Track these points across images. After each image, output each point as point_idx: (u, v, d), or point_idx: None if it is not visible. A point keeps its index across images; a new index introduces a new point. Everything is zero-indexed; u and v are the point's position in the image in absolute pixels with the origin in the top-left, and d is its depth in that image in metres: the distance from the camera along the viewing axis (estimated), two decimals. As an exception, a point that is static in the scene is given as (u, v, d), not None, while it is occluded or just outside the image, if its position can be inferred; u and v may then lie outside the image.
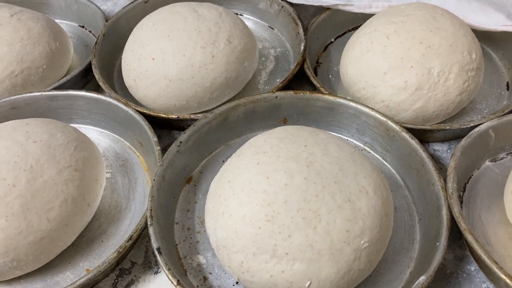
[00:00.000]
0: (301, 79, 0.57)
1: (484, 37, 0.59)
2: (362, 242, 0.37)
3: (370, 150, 0.51)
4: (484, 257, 0.37)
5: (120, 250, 0.40)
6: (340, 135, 0.52)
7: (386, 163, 0.50)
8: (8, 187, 0.39)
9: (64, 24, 0.69)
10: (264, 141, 0.42)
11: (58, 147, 0.43)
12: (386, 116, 0.48)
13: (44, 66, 0.57)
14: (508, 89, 0.57)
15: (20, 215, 0.39)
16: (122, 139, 0.53)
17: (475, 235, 0.38)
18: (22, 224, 0.39)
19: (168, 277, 0.37)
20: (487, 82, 0.57)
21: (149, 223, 0.40)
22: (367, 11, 0.62)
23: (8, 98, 0.52)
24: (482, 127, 0.47)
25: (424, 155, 0.44)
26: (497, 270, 0.36)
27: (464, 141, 0.46)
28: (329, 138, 0.42)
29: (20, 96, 0.52)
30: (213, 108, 0.53)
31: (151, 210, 0.41)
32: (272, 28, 0.67)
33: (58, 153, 0.43)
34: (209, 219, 0.41)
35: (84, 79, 0.60)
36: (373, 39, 0.52)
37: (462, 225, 0.39)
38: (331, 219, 0.36)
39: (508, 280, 0.35)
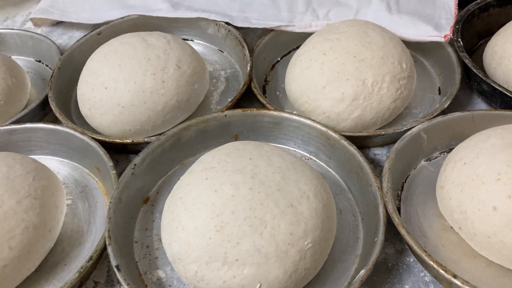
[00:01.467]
0: (251, 97, 0.60)
1: (416, 47, 0.65)
2: (305, 243, 0.40)
3: (315, 159, 0.55)
4: (415, 247, 0.41)
5: (81, 270, 0.42)
6: (287, 147, 0.55)
7: (330, 170, 0.53)
8: (-32, 219, 0.41)
9: (21, 60, 0.71)
10: (213, 157, 0.45)
11: (16, 178, 0.45)
12: (326, 126, 0.52)
13: (2, 102, 0.59)
14: (440, 94, 0.62)
15: (-18, 245, 0.41)
16: (80, 166, 0.55)
17: (407, 228, 0.42)
18: (-16, 254, 0.41)
19: (128, 292, 0.40)
20: (421, 88, 0.62)
21: (107, 242, 0.43)
22: (308, 30, 0.66)
23: (-34, 135, 0.54)
24: (414, 130, 0.51)
25: (361, 159, 0.48)
26: (426, 258, 0.40)
27: (397, 144, 0.50)
28: (273, 150, 0.46)
29: (-21, 132, 0.54)
30: (167, 130, 0.56)
31: (109, 230, 0.43)
32: (221, 51, 0.71)
33: (17, 183, 0.45)
34: (164, 234, 0.43)
35: (42, 112, 0.62)
36: (311, 56, 0.57)
37: (396, 220, 0.43)
38: (276, 224, 0.40)
39: (436, 266, 0.39)
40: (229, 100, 0.63)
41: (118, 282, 0.45)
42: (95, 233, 0.49)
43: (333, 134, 0.51)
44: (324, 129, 0.52)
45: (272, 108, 0.55)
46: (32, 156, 0.54)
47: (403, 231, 0.42)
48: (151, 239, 0.48)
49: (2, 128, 0.54)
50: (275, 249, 0.39)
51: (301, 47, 0.60)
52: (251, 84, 0.59)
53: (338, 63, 0.54)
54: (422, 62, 0.66)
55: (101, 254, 0.45)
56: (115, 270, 0.41)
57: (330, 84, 0.54)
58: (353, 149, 0.49)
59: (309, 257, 0.40)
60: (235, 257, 0.39)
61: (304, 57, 0.57)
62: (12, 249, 0.42)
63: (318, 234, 0.41)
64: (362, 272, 0.40)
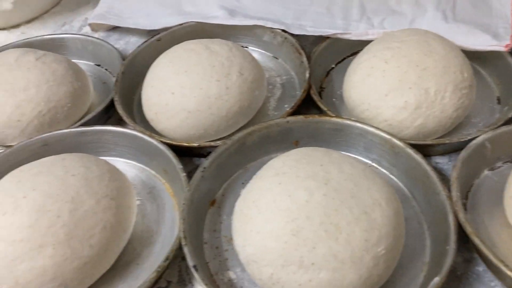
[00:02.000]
0: (308, 103, 0.61)
1: (473, 56, 0.64)
2: (379, 249, 0.41)
3: (377, 166, 0.55)
4: (491, 257, 0.41)
5: (159, 270, 0.43)
6: (348, 154, 0.56)
7: (393, 177, 0.54)
8: (53, 218, 0.43)
9: (82, 64, 0.73)
10: (283, 162, 0.46)
11: (94, 179, 0.47)
12: (390, 134, 0.52)
13: (69, 105, 0.61)
14: (499, 103, 0.62)
15: (65, 243, 0.43)
16: (147, 168, 0.57)
17: (481, 237, 0.42)
18: (67, 251, 0.43)
19: (206, 292, 0.41)
20: (480, 98, 0.62)
21: (183, 243, 0.44)
22: (364, 38, 0.67)
23: (40, 136, 0.56)
24: (478, 139, 0.51)
25: (428, 168, 0.49)
26: (503, 268, 0.40)
27: (463, 153, 0.50)
28: (342, 157, 0.47)
29: (51, 133, 0.56)
30: (229, 135, 0.58)
31: (184, 231, 0.45)
32: (276, 58, 0.72)
33: (95, 184, 0.46)
34: (237, 237, 0.44)
35: (106, 115, 0.64)
36: (373, 64, 0.57)
37: (468, 229, 0.43)
38: (351, 230, 0.40)
39: (514, 276, 0.39)
40: (285, 106, 0.65)
41: (190, 282, 0.47)
42: (164, 234, 0.50)
43: (398, 142, 0.52)
44: (388, 136, 0.52)
45: (334, 115, 0.56)
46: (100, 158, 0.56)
47: (477, 241, 0.42)
48: (220, 240, 0.49)
49: (73, 130, 0.57)
50: (351, 254, 0.40)
51: (360, 54, 0.61)
52: (310, 91, 0.60)
53: (400, 71, 0.55)
54: (480, 71, 0.66)
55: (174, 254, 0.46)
56: (193, 270, 0.42)
57: (393, 92, 0.54)
58: (418, 157, 0.50)
59: (382, 263, 0.41)
60: (311, 261, 0.40)
61: (364, 65, 0.58)
62: (92, 247, 0.44)
63: (390, 241, 0.41)
64: (436, 279, 0.40)
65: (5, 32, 0.84)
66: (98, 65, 0.75)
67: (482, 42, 0.63)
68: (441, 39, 0.58)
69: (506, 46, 0.61)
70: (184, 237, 0.44)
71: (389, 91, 0.55)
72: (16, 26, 0.85)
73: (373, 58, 0.58)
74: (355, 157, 0.55)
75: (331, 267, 0.40)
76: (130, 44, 0.79)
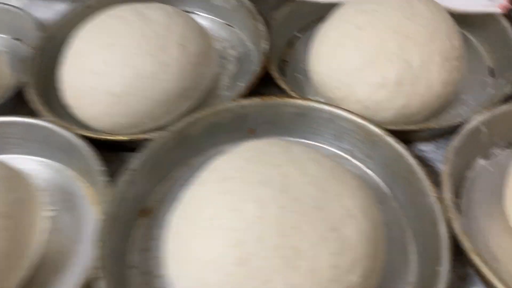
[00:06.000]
0: (268, 81, 0.51)
1: (460, 20, 0.54)
2: (354, 277, 0.31)
3: (350, 158, 0.45)
4: (495, 282, 0.32)
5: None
6: (314, 143, 0.46)
7: (369, 171, 0.44)
8: None
9: (-4, 38, 0.61)
10: (229, 163, 0.36)
11: (-18, 191, 0.36)
12: (365, 119, 0.43)
13: (-26, 88, 0.49)
14: (492, 75, 0.52)
15: None
16: (65, 167, 0.46)
17: (482, 256, 0.33)
18: None
19: None
20: (469, 70, 0.52)
21: (100, 275, 0.33)
22: (335, 0, 0.56)
23: None
24: (472, 123, 0.42)
25: (413, 161, 0.39)
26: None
27: (455, 142, 0.41)
28: (305, 153, 0.36)
29: None
30: (170, 121, 0.47)
31: (101, 259, 0.34)
32: (230, 25, 0.61)
33: (-17, 199, 0.35)
34: (170, 264, 0.34)
35: (21, 101, 0.52)
36: (344, 32, 0.47)
37: (466, 245, 0.34)
38: (315, 254, 0.31)
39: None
40: (242, 84, 0.54)
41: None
42: (83, 254, 0.40)
43: (375, 129, 0.42)
44: (363, 122, 0.42)
45: (297, 96, 0.46)
46: (7, 156, 0.45)
47: (478, 261, 0.33)
48: (153, 263, 0.39)
49: (-34, 123, 0.45)
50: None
51: (328, 20, 0.50)
52: (270, 66, 0.50)
53: (377, 40, 0.45)
54: (469, 39, 0.56)
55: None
56: (109, 315, 0.32)
57: (369, 66, 0.45)
58: (401, 148, 0.40)
59: (357, 294, 0.32)
60: (264, 299, 0.30)
61: (334, 33, 0.48)
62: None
63: (368, 265, 0.32)
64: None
65: None
66: (17, 39, 0.62)
67: (474, 3, 0.53)
68: (426, 0, 0.48)
69: (501, 6, 0.51)
70: (102, 266, 0.34)
71: (364, 64, 0.45)
72: None
73: (345, 25, 0.48)
74: (323, 147, 0.45)
75: (291, 305, 0.30)
76: (58, 13, 0.66)
